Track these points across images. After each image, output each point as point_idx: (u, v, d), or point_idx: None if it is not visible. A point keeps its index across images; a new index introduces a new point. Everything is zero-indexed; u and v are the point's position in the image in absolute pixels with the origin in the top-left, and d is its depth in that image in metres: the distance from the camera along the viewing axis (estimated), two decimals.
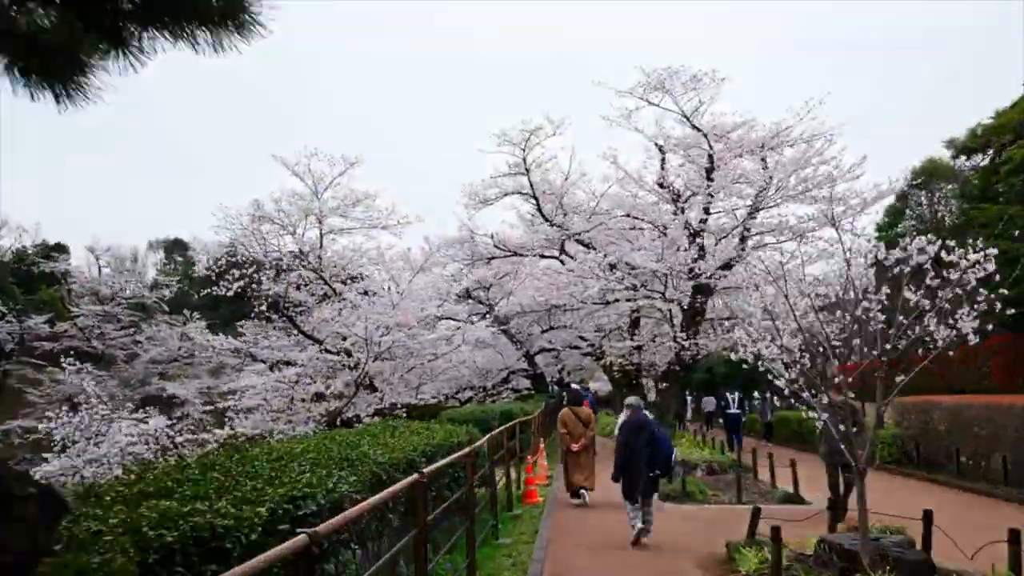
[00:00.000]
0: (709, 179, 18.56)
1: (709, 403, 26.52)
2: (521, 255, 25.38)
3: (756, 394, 30.43)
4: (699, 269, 17.48)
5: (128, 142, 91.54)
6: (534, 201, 25.32)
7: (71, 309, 40.73)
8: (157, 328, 33.51)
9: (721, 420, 21.98)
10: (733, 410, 20.87)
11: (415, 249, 21.02)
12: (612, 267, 19.20)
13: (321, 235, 21.23)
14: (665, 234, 19.16)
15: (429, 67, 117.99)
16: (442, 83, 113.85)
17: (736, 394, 21.59)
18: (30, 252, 48.21)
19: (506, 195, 25.71)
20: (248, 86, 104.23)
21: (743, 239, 18.33)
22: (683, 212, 19.00)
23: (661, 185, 19.97)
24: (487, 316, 33.43)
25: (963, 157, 25.77)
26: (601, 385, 48.47)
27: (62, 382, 28.40)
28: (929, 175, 28.55)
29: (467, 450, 6.47)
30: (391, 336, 18.40)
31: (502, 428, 10.25)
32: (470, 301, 29.42)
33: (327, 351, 20.35)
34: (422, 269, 19.57)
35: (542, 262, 25.53)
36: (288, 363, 20.24)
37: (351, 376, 19.57)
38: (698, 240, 18.35)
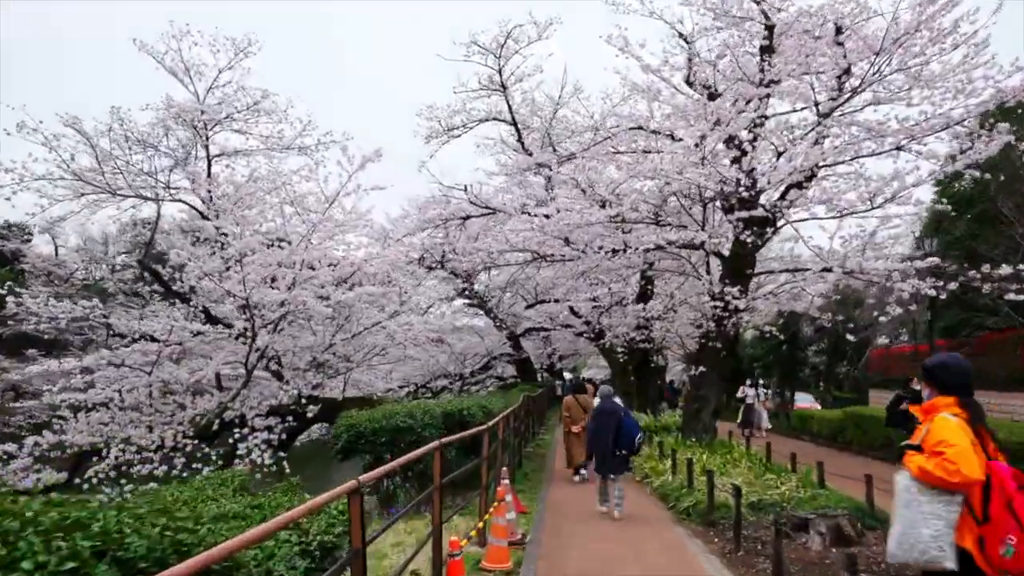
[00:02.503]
0: (765, 62, 11.60)
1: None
2: (503, 212, 18.24)
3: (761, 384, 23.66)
4: (765, 183, 10.50)
5: None
6: (513, 130, 18.42)
7: (19, 291, 34.29)
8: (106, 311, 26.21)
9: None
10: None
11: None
12: (611, 212, 12.28)
13: (209, 159, 14.20)
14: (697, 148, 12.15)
15: None
16: None
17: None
18: None
19: (479, 123, 18.83)
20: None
21: (816, 143, 11.36)
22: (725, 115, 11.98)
23: (690, 83, 13.03)
24: (466, 293, 26.76)
25: None
26: (596, 372, 41.78)
27: None
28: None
29: None
30: (291, 295, 11.45)
31: (379, 471, 3.34)
32: (447, 274, 22.66)
33: (211, 318, 13.39)
34: (339, 199, 12.42)
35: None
36: (154, 339, 13.27)
37: (242, 356, 12.66)
38: (750, 153, 11.35)
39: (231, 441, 11.57)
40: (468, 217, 19.89)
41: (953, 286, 9.55)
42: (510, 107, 17.90)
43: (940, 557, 2.89)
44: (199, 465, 11.56)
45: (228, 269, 12.27)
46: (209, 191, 13.68)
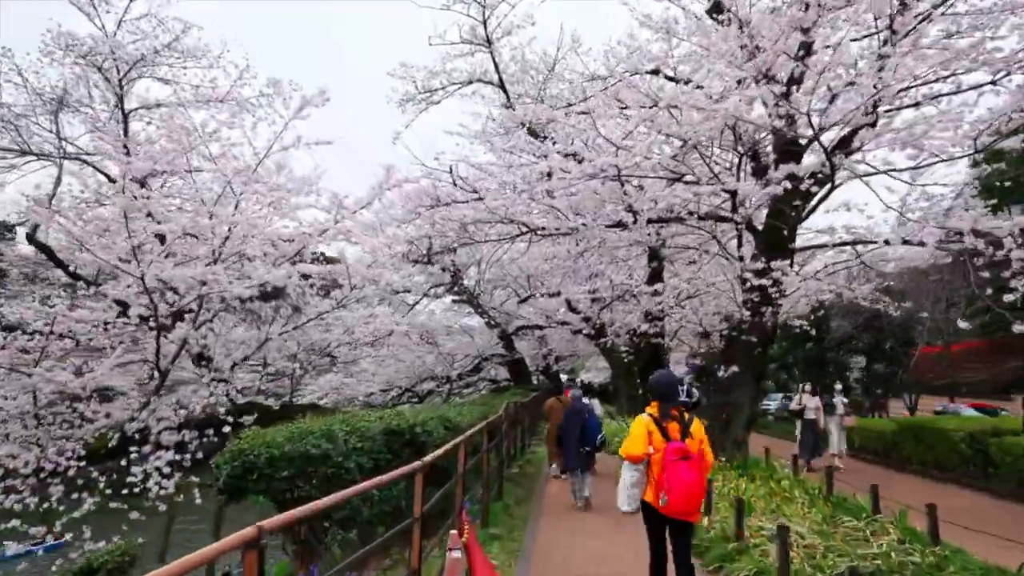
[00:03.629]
0: None
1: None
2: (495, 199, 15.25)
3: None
4: (811, 130, 7.64)
5: None
6: (502, 94, 15.61)
7: None
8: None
9: None
10: (682, 398, 15.98)
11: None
12: (619, 163, 9.43)
13: (124, 112, 11.36)
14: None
15: None
16: None
17: (686, 385, 17.68)
18: None
19: (461, 85, 15.98)
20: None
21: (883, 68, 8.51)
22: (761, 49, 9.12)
23: (718, 10, 10.23)
24: (455, 289, 23.88)
25: None
26: (595, 375, 38.83)
27: None
28: None
29: None
30: (201, 272, 8.60)
31: None
32: (435, 269, 19.81)
33: (120, 304, 10.49)
34: (273, 154, 9.54)
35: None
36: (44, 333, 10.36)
37: (150, 353, 9.78)
38: (806, 79, 8.52)
39: (123, 464, 8.72)
40: (454, 202, 17.03)
41: None
42: (496, 66, 15.07)
43: (621, 503, 4.54)
44: (82, 495, 8.72)
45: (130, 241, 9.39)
46: (127, 150, 10.79)
